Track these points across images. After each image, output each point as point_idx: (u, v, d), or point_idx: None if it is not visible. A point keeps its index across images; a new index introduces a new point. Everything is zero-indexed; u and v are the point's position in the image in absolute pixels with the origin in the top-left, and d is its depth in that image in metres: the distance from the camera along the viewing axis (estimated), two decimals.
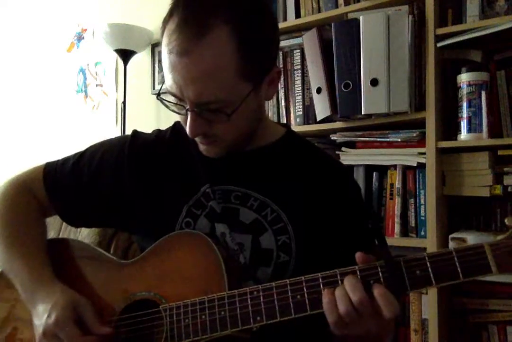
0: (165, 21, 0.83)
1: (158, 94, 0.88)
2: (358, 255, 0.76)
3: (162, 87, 0.86)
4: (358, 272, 0.75)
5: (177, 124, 1.05)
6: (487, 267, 0.71)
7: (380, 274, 0.74)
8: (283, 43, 1.95)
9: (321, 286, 0.76)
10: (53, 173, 1.04)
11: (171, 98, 0.86)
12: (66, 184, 1.03)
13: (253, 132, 0.95)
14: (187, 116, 0.84)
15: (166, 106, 0.89)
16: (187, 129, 0.85)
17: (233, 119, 0.84)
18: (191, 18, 0.79)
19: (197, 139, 0.90)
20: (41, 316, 0.88)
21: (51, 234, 1.69)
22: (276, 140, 1.00)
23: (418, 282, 0.73)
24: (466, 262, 0.72)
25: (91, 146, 1.06)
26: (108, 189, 1.00)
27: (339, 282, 0.75)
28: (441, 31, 1.63)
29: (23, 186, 1.04)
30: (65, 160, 1.06)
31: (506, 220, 0.73)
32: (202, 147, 0.93)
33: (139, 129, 1.08)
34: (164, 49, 0.82)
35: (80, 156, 1.04)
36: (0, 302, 1.01)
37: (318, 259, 0.81)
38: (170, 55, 0.81)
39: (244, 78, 0.83)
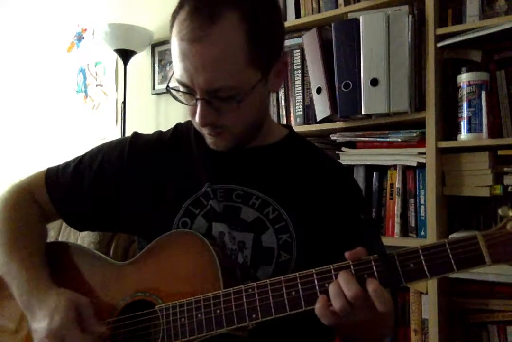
0: (175, 12, 0.84)
1: (167, 87, 0.89)
2: (347, 255, 0.75)
3: (171, 78, 0.87)
4: (351, 266, 0.75)
5: (178, 126, 1.06)
6: (480, 257, 0.70)
7: (374, 268, 0.74)
8: None
9: (316, 281, 0.76)
10: (55, 178, 1.04)
11: (181, 89, 0.87)
12: (68, 188, 1.03)
13: (259, 126, 0.95)
14: (196, 107, 0.85)
15: (175, 97, 0.89)
16: (197, 118, 0.85)
17: (242, 107, 0.84)
18: (202, 6, 0.81)
19: (205, 131, 0.90)
20: (42, 320, 0.88)
21: (51, 234, 1.69)
22: (279, 140, 1.00)
23: (412, 275, 0.73)
24: (459, 254, 0.71)
25: (91, 150, 1.07)
26: (109, 190, 1.00)
27: (333, 277, 0.75)
28: (441, 31, 1.63)
29: (25, 192, 1.05)
30: (66, 164, 1.06)
31: (499, 210, 0.73)
32: (210, 140, 0.93)
33: (139, 130, 1.08)
34: (175, 38, 0.83)
35: (80, 160, 1.05)
36: None
37: (319, 258, 0.81)
38: (181, 43, 0.81)
39: (253, 65, 0.84)
